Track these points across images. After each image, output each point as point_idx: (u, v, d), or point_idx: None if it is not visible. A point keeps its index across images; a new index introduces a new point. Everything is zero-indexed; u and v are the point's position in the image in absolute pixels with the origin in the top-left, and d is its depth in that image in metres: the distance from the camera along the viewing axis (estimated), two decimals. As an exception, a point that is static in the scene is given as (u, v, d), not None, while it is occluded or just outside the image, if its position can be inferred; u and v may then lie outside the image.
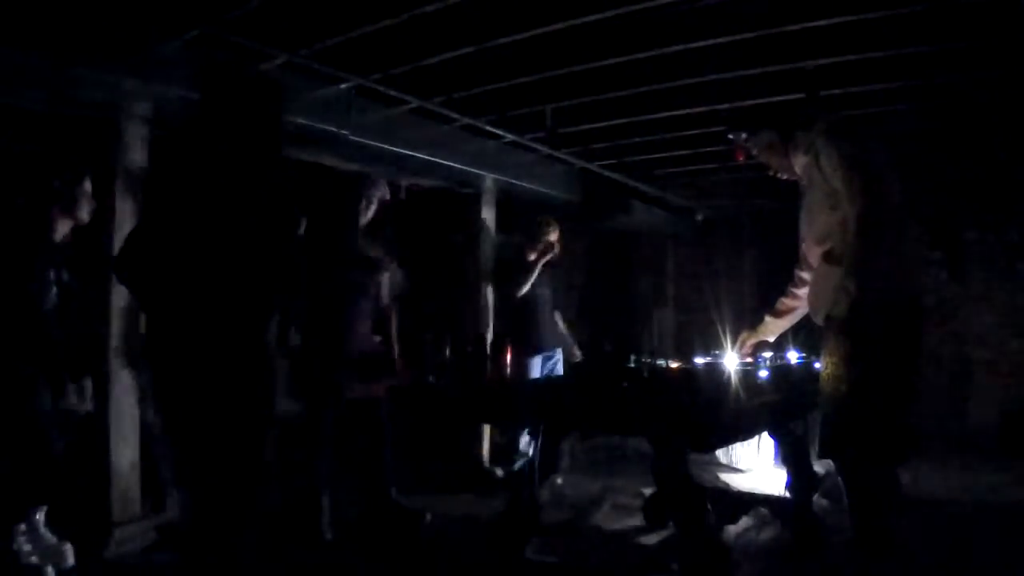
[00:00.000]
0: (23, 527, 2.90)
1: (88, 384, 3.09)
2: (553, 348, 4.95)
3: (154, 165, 3.27)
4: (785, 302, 2.99)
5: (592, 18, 3.13)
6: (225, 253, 2.18)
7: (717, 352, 3.17)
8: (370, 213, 3.76)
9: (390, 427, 3.79)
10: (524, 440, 4.54)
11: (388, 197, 3.85)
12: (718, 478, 4.88)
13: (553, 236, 4.89)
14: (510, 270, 4.90)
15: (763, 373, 2.85)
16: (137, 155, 3.31)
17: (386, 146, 4.32)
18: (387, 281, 3.86)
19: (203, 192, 2.19)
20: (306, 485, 3.53)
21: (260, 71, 3.24)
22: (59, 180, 2.95)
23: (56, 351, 2.90)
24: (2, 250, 2.84)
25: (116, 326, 3.23)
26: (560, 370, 4.86)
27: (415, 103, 4.12)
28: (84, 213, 3.03)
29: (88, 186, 3.04)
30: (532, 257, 4.81)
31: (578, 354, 5.00)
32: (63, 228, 2.99)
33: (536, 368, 4.80)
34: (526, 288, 4.76)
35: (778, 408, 2.91)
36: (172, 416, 2.26)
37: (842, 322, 2.43)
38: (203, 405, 2.15)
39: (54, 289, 2.88)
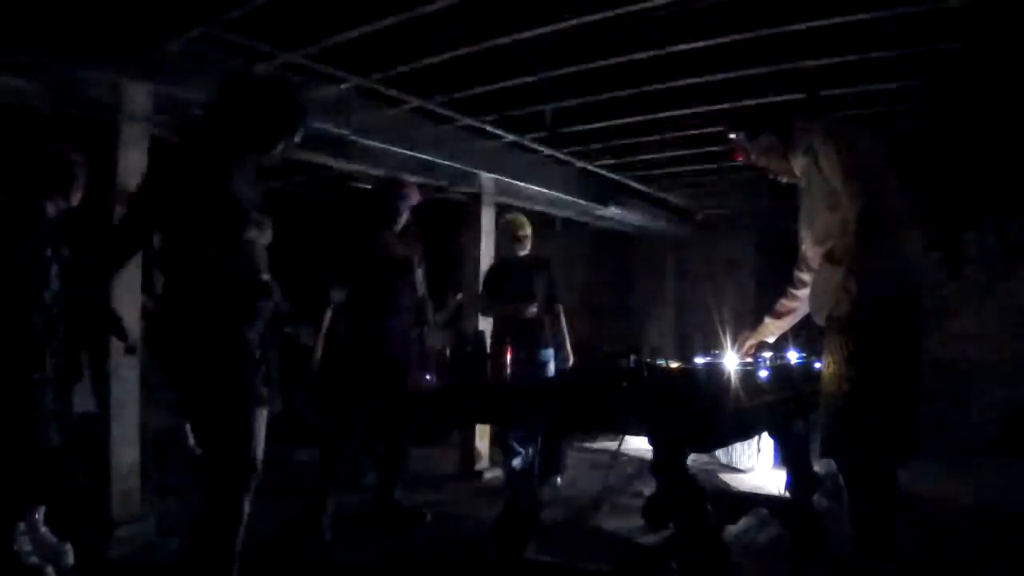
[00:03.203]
0: (23, 527, 2.90)
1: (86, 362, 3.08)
2: (542, 350, 4.83)
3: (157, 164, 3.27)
4: (784, 303, 2.99)
5: (592, 18, 3.13)
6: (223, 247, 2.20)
7: (717, 352, 3.17)
8: (406, 215, 3.82)
9: (411, 427, 3.86)
10: (519, 441, 4.53)
11: (419, 200, 3.90)
12: (718, 478, 4.88)
13: (525, 231, 4.71)
14: (496, 275, 4.83)
15: (763, 373, 2.85)
16: (137, 155, 3.32)
17: (386, 146, 4.32)
18: (420, 278, 3.92)
19: (203, 189, 2.20)
20: (312, 485, 3.55)
21: (283, 75, 3.23)
22: (56, 162, 2.95)
23: (57, 332, 2.88)
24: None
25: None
26: (551, 371, 4.80)
27: (415, 103, 4.13)
28: (75, 197, 3.02)
29: (83, 172, 3.04)
30: (521, 255, 4.73)
31: (571, 357, 4.80)
32: (54, 209, 2.97)
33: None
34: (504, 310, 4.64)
35: (778, 408, 2.90)
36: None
37: (843, 322, 2.43)
38: (193, 396, 2.20)
39: (54, 268, 2.85)
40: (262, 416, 2.25)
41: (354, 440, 3.72)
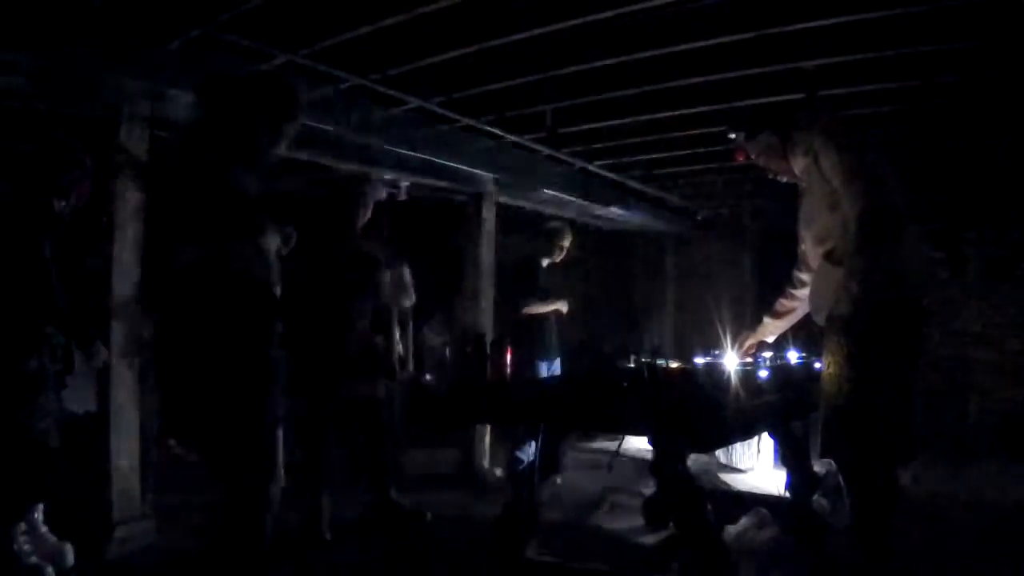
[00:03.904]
0: (23, 527, 2.90)
1: (100, 350, 3.05)
2: (556, 357, 4.87)
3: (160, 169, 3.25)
4: (784, 303, 2.99)
5: (592, 18, 3.13)
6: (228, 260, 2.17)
7: (717, 352, 3.17)
8: (368, 213, 3.77)
9: (389, 427, 3.79)
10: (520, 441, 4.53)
11: (383, 196, 3.85)
12: (718, 478, 4.88)
13: (567, 241, 4.84)
14: (519, 277, 4.85)
15: (763, 373, 2.85)
16: (137, 155, 3.31)
17: (386, 146, 4.32)
18: (387, 280, 3.87)
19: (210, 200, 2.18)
20: (306, 485, 3.54)
21: (271, 71, 3.22)
22: (61, 163, 2.96)
23: (62, 320, 2.87)
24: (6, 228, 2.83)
25: (117, 324, 3.24)
26: (558, 371, 4.84)
27: (415, 103, 4.13)
28: (83, 195, 3.02)
29: (90, 170, 3.04)
30: (545, 264, 4.79)
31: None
32: (61, 205, 2.96)
33: (542, 372, 4.76)
34: (540, 308, 4.71)
35: (778, 408, 2.90)
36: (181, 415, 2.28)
37: (843, 322, 2.43)
38: (207, 406, 2.16)
39: (55, 270, 2.85)
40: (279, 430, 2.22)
41: (327, 440, 3.64)
